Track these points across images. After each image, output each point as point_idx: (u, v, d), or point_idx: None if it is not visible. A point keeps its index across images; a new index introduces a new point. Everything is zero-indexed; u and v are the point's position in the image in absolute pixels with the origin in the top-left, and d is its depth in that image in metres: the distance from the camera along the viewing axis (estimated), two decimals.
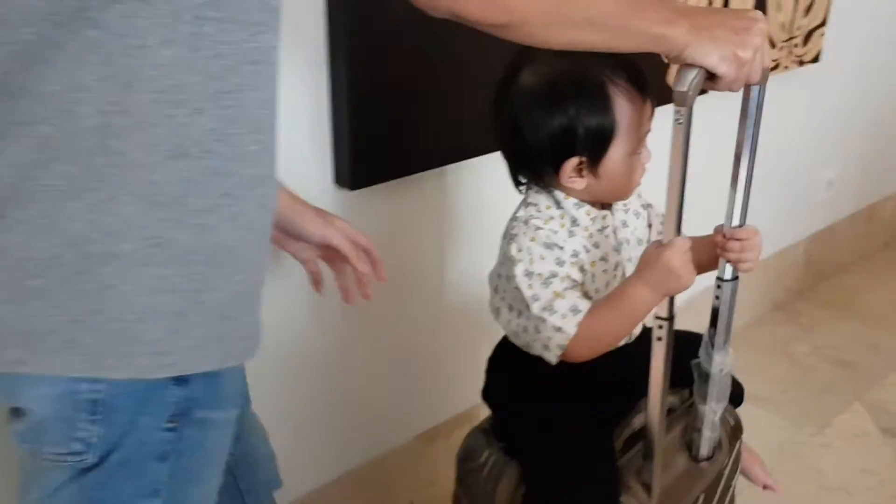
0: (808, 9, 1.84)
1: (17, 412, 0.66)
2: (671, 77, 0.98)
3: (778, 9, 1.76)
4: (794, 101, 2.02)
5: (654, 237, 1.02)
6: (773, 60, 1.81)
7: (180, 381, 0.65)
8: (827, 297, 2.40)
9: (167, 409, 0.65)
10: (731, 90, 0.82)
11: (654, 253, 0.86)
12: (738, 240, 0.90)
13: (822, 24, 1.91)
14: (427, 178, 1.33)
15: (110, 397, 0.63)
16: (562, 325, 0.88)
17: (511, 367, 1.00)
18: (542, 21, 0.73)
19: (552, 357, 0.90)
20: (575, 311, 0.88)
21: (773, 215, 2.13)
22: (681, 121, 0.79)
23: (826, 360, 2.09)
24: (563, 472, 0.93)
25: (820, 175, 2.27)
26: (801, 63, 1.91)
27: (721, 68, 0.78)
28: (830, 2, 1.92)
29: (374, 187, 1.24)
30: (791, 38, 1.84)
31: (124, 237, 0.59)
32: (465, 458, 1.05)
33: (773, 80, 1.70)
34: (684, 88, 0.77)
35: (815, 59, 1.95)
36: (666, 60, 0.80)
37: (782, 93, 1.99)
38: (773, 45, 1.78)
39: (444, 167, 1.34)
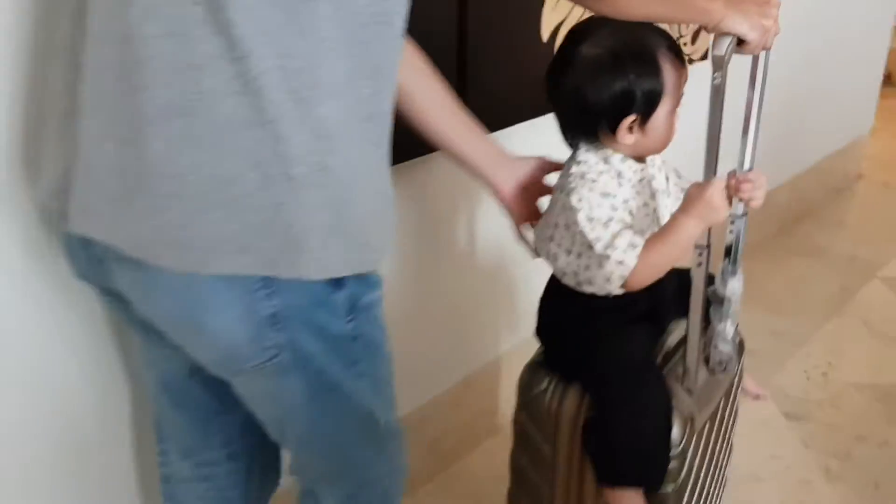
0: None
1: (203, 343, 0.81)
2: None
3: None
4: (686, 99, 2.05)
5: (673, 188, 1.19)
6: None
7: (338, 284, 0.81)
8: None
9: (338, 308, 0.82)
10: (753, 54, 1.04)
11: (697, 191, 1.04)
12: (749, 181, 1.09)
13: None
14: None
15: (285, 309, 0.77)
16: (623, 259, 1.04)
17: (563, 305, 1.18)
18: None
19: (614, 288, 1.06)
20: (633, 246, 1.04)
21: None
22: (718, 80, 0.99)
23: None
24: (623, 381, 1.10)
25: (719, 168, 2.33)
26: (691, 62, 1.95)
27: (750, 35, 0.99)
28: None
29: None
30: (680, 37, 1.87)
31: (297, 162, 0.72)
32: (528, 386, 1.20)
33: None
34: (721, 53, 0.97)
35: (704, 58, 2.00)
36: (705, 31, 0.99)
37: None
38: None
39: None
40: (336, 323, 0.83)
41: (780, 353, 2.12)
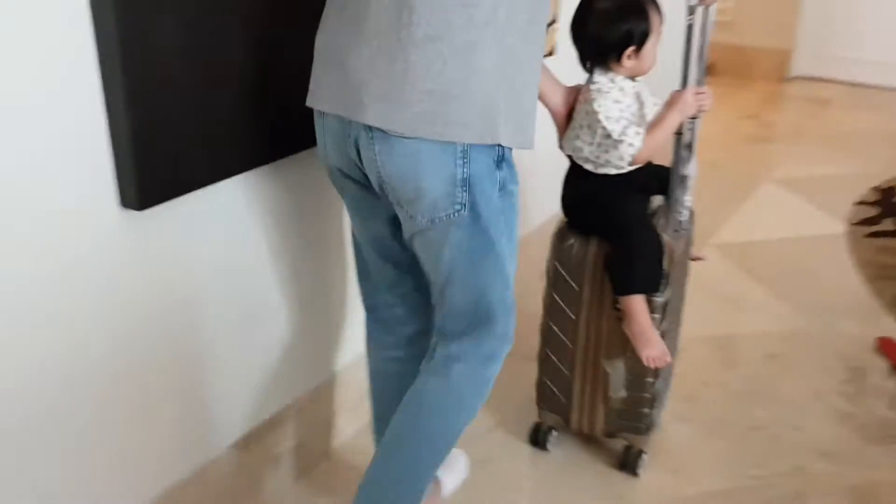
0: None
1: (418, 195, 1.18)
2: None
3: None
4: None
5: (651, 99, 1.64)
6: None
7: (499, 164, 1.22)
8: None
9: (497, 182, 1.22)
10: (708, 5, 1.57)
11: (678, 95, 1.62)
12: (703, 91, 1.63)
13: (554, 21, 2.17)
14: (224, 189, 1.38)
15: (472, 175, 1.18)
16: (633, 142, 1.54)
17: (585, 184, 1.66)
18: None
19: (625, 164, 1.58)
20: (638, 133, 1.55)
21: (545, 193, 2.37)
22: (691, 21, 1.60)
23: None
24: (634, 226, 1.63)
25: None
26: None
27: None
28: (559, 1, 2.17)
29: (168, 204, 1.26)
30: None
31: (497, 71, 1.15)
32: (560, 242, 1.71)
33: None
34: (693, 3, 1.58)
35: (551, 53, 2.21)
36: None
37: None
38: None
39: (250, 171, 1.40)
40: (495, 194, 1.23)
41: None
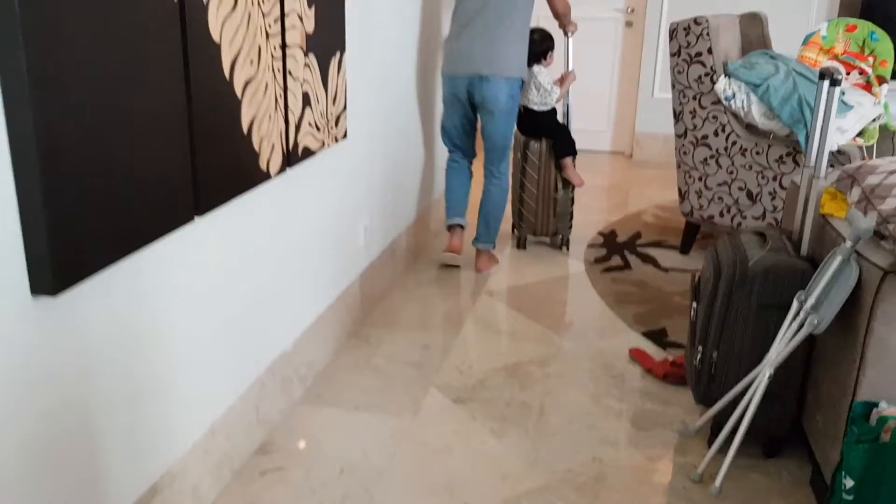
0: (335, 98, 2.38)
1: (496, 102, 3.32)
2: None
3: (317, 101, 2.25)
4: (335, 174, 2.55)
5: (550, 77, 3.68)
6: (320, 142, 2.30)
7: (520, 87, 3.42)
8: (382, 319, 3.00)
9: (517, 95, 3.42)
10: (572, 32, 3.79)
11: (570, 75, 3.76)
12: (573, 74, 3.79)
13: (345, 108, 2.48)
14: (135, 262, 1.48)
15: (516, 93, 3.38)
16: (554, 93, 3.63)
17: (536, 115, 3.68)
18: None
19: (552, 103, 3.68)
20: (556, 90, 3.64)
21: (334, 267, 2.63)
22: (567, 43, 3.85)
23: (400, 364, 2.66)
24: (561, 128, 3.73)
25: (358, 225, 2.86)
26: (337, 140, 2.44)
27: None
28: (346, 91, 2.49)
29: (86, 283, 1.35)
30: (328, 123, 2.35)
31: (524, 44, 3.34)
32: (525, 144, 3.71)
33: (316, 160, 2.38)
34: (568, 32, 3.82)
35: (345, 136, 2.51)
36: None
37: (326, 165, 2.50)
38: (318, 128, 2.27)
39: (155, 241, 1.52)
40: (516, 98, 3.38)
41: (435, 361, 2.69)
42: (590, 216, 4.35)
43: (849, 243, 1.84)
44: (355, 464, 2.12)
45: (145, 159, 1.48)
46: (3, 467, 1.28)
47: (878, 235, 1.87)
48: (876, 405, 1.71)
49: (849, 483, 1.65)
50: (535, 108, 3.62)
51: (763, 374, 1.99)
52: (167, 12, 1.50)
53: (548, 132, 3.63)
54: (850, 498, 1.65)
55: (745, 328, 2.09)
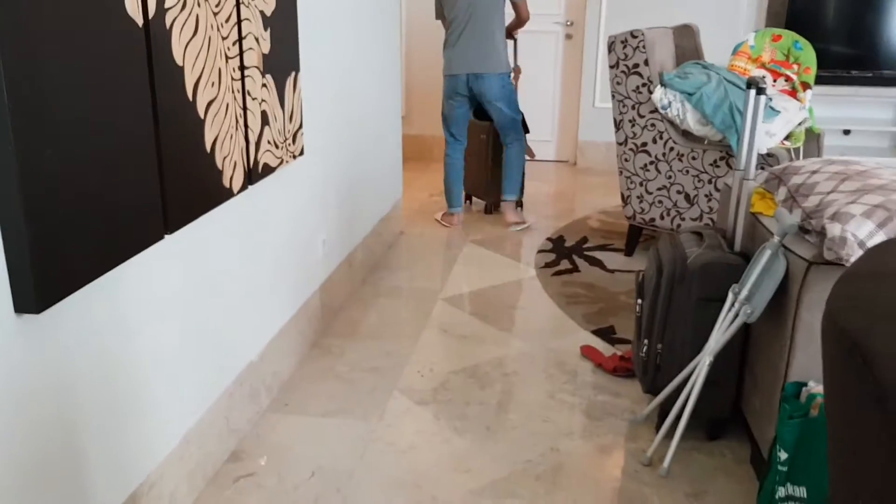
0: (291, 116, 2.48)
1: (491, 93, 4.29)
2: None
3: (274, 119, 2.34)
4: (293, 189, 2.64)
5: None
6: (279, 158, 2.39)
7: (508, 77, 4.42)
8: (342, 329, 3.09)
9: (509, 83, 4.37)
10: (517, 74, 4.86)
11: (518, 67, 4.87)
12: (520, 69, 4.86)
13: (301, 126, 2.57)
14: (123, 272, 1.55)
15: (506, 83, 4.39)
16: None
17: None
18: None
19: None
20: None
21: (294, 279, 2.71)
22: (516, 78, 4.90)
23: (362, 371, 2.76)
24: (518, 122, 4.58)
25: (317, 238, 2.95)
26: (294, 157, 2.54)
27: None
28: (302, 109, 2.59)
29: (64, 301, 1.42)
30: (286, 140, 2.45)
31: (501, 43, 4.24)
32: (478, 125, 4.62)
33: (276, 177, 2.59)
34: (513, 67, 4.79)
35: (302, 153, 2.60)
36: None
37: (283, 185, 2.59)
38: (276, 146, 2.36)
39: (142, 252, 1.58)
40: (509, 86, 4.30)
41: (396, 366, 2.80)
42: (539, 223, 4.51)
43: (777, 238, 2.01)
44: (326, 467, 2.21)
45: (118, 181, 1.56)
46: None
47: (803, 230, 2.04)
48: (805, 384, 1.87)
49: (783, 456, 1.80)
50: None
51: (703, 361, 2.14)
52: (133, 38, 1.59)
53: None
54: (785, 469, 1.81)
55: (686, 321, 2.25)
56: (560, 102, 5.94)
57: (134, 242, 1.64)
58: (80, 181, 1.44)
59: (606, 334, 3.05)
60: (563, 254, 3.97)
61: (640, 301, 2.44)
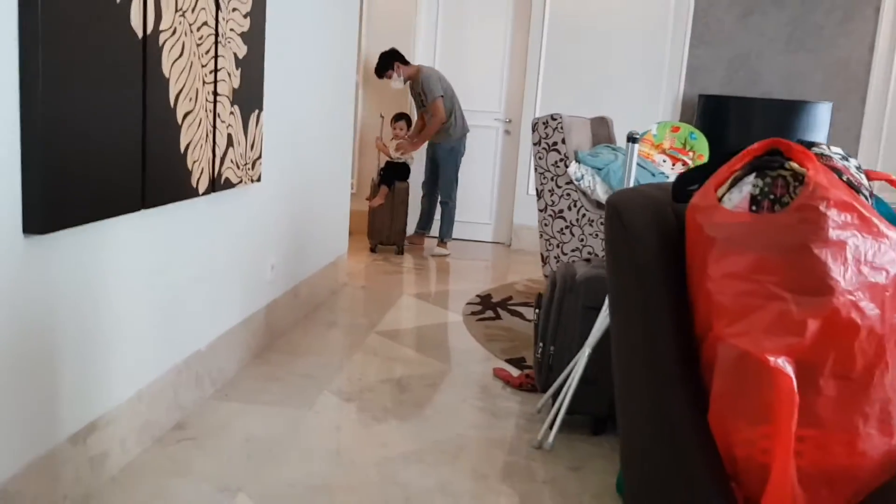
0: (252, 146, 2.93)
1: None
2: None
3: (238, 144, 2.79)
4: (249, 208, 3.07)
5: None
6: (239, 178, 2.83)
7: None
8: (284, 348, 3.44)
9: (456, 150, 6.09)
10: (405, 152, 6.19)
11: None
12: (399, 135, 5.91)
13: (260, 156, 3.03)
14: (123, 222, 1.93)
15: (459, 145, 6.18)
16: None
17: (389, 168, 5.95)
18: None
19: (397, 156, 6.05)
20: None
21: (243, 290, 3.10)
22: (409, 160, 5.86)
23: (298, 377, 3.10)
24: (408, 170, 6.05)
25: (266, 261, 3.35)
26: (253, 181, 2.98)
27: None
28: (262, 143, 3.05)
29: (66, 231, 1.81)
30: (246, 164, 2.89)
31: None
32: (386, 189, 5.88)
33: (235, 192, 2.90)
34: (398, 153, 5.57)
35: (259, 179, 3.05)
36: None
37: (241, 202, 3.02)
38: (238, 167, 2.80)
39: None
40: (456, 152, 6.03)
41: (329, 375, 3.15)
42: (471, 285, 4.96)
43: None
44: (259, 436, 2.53)
45: (114, 152, 1.98)
46: None
47: None
48: None
49: None
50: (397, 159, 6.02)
51: (583, 354, 2.57)
52: (134, 44, 2.05)
53: (402, 178, 5.99)
54: None
55: (574, 325, 2.68)
56: (498, 190, 6.52)
57: (118, 205, 2.04)
58: (86, 144, 1.86)
59: (518, 363, 3.46)
60: (489, 306, 4.41)
61: (536, 311, 2.87)
